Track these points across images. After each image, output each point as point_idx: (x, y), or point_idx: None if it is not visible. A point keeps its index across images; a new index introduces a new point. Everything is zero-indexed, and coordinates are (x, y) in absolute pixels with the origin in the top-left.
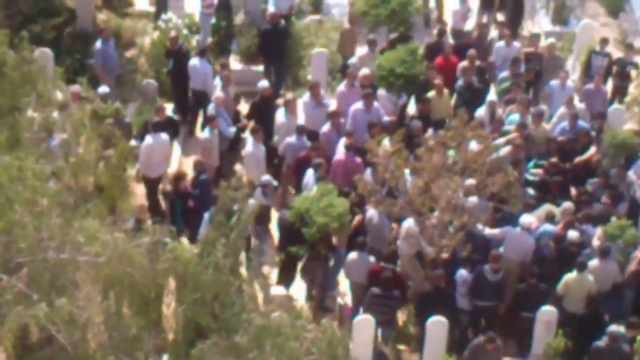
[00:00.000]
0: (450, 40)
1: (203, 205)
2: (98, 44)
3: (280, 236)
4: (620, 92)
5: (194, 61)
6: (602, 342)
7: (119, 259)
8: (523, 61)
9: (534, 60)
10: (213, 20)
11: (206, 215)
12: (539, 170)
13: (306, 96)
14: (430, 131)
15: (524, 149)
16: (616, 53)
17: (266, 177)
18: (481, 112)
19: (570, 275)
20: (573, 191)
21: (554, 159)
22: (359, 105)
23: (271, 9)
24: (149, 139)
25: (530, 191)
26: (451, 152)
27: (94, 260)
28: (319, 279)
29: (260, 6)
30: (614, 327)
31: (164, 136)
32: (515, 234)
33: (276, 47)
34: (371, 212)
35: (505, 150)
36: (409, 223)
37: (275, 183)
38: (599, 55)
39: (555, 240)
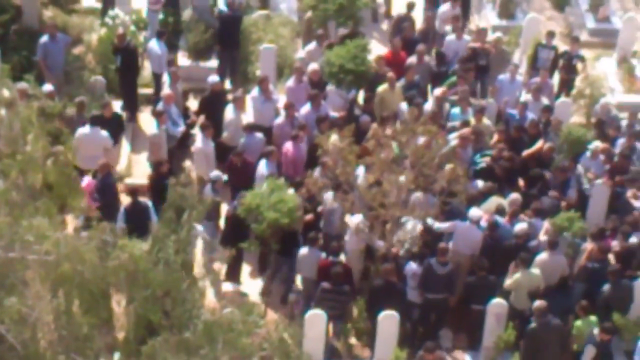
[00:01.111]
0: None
1: (108, 207)
2: (43, 38)
3: (226, 231)
4: (566, 85)
5: (152, 43)
6: (533, 323)
7: (69, 257)
8: (468, 55)
9: (480, 54)
10: (160, 16)
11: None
12: (486, 159)
13: (255, 91)
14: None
15: (470, 142)
16: (562, 46)
17: (216, 173)
18: (429, 106)
19: (517, 275)
20: (521, 182)
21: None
22: (307, 107)
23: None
24: (81, 130)
25: (479, 183)
26: (395, 146)
27: (43, 258)
28: (284, 275)
29: (207, 2)
30: (538, 302)
31: (101, 131)
32: (464, 228)
33: (234, 34)
34: (327, 195)
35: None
36: (358, 218)
37: (225, 178)
38: (545, 48)
39: (489, 228)
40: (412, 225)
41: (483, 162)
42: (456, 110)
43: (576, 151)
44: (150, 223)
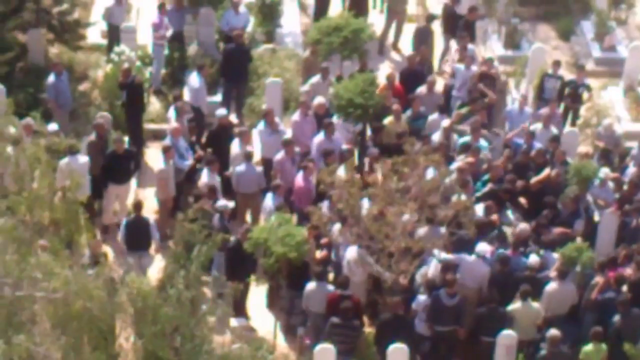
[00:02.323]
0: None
1: None
2: (51, 77)
3: (229, 264)
4: (572, 114)
5: (192, 77)
6: (544, 350)
7: (77, 293)
8: (477, 80)
9: (488, 80)
10: (166, 51)
11: None
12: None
13: (261, 124)
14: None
15: (470, 171)
16: (568, 76)
17: (223, 202)
18: (436, 137)
19: (516, 305)
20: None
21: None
22: (320, 136)
23: (225, 28)
24: (64, 160)
25: (479, 211)
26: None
27: (51, 295)
28: (297, 309)
29: (213, 37)
30: (552, 331)
31: (82, 159)
32: (470, 262)
33: (240, 67)
34: (335, 227)
35: (454, 175)
36: (354, 250)
37: (231, 205)
38: (552, 78)
39: (501, 262)
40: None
41: (486, 187)
42: (466, 140)
43: (585, 187)
44: (151, 239)
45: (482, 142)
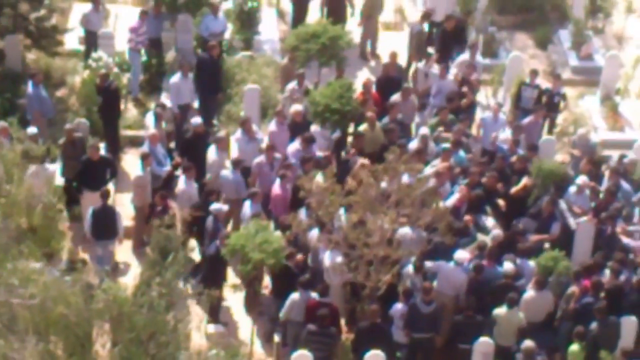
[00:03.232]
0: None
1: None
2: (30, 88)
3: (206, 272)
4: (549, 122)
5: (175, 78)
6: None
7: (54, 300)
8: (458, 85)
9: (467, 85)
10: (143, 58)
11: None
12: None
13: (238, 132)
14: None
15: (447, 178)
16: (545, 84)
17: (217, 206)
18: (413, 144)
19: (500, 310)
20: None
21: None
22: (295, 145)
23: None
24: (32, 168)
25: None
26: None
27: (28, 302)
28: (273, 314)
29: (191, 43)
30: (527, 343)
31: (50, 167)
32: (448, 269)
33: (211, 78)
34: (312, 233)
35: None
36: (334, 256)
37: (225, 208)
38: (529, 87)
39: (475, 270)
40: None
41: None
42: (447, 147)
43: (558, 187)
44: (117, 228)
45: (461, 153)
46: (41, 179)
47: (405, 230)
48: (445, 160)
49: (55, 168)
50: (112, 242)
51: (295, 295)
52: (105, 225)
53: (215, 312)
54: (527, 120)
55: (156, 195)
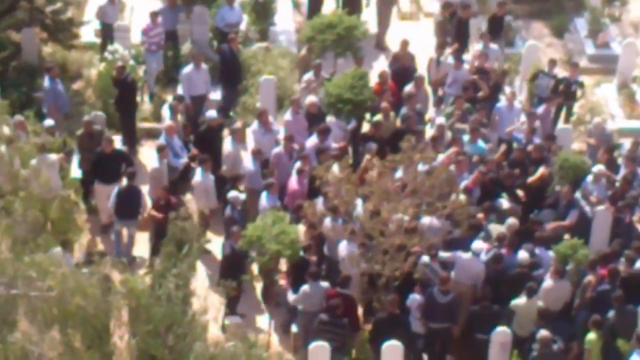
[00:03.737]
0: None
1: None
2: (46, 82)
3: (223, 267)
4: (566, 111)
5: (187, 69)
6: (535, 351)
7: (72, 292)
8: (473, 74)
9: (483, 74)
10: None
11: None
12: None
13: (255, 124)
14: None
15: (466, 166)
16: (562, 73)
17: (234, 194)
18: (429, 134)
19: (519, 300)
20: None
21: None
22: (313, 139)
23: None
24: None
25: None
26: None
27: (46, 294)
28: (290, 305)
29: (206, 35)
30: (542, 332)
31: (52, 157)
32: (466, 259)
33: (234, 68)
34: (327, 221)
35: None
36: (348, 247)
37: (242, 197)
38: (546, 76)
39: (494, 260)
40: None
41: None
42: (465, 139)
43: (573, 178)
44: (140, 208)
45: (480, 143)
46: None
47: (428, 220)
48: (456, 146)
49: (56, 158)
50: (135, 222)
51: (305, 287)
52: (129, 205)
53: (233, 304)
54: (541, 108)
55: (160, 189)
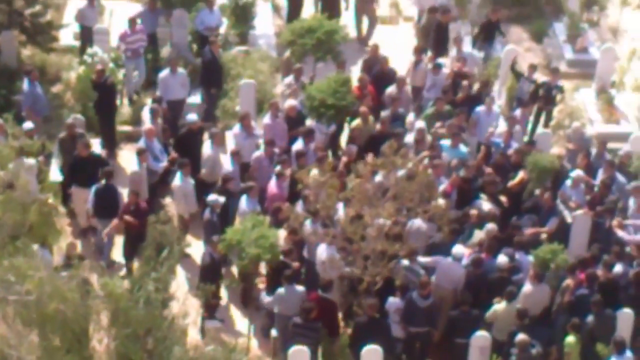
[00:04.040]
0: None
1: None
2: (25, 84)
3: (202, 274)
4: (545, 115)
5: (163, 74)
6: (513, 355)
7: (50, 296)
8: (452, 78)
9: (462, 78)
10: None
11: None
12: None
13: (236, 127)
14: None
15: (443, 170)
16: (540, 78)
17: (213, 197)
18: (409, 138)
19: (499, 305)
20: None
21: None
22: (299, 143)
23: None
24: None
25: None
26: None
27: (24, 298)
28: (269, 309)
29: (186, 39)
30: (521, 336)
31: (29, 161)
32: (447, 264)
33: (217, 71)
34: (307, 224)
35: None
36: (328, 250)
37: (222, 200)
38: (527, 80)
39: (474, 264)
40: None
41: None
42: (446, 143)
43: (554, 181)
44: (119, 206)
45: (462, 148)
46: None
47: (416, 223)
48: (432, 150)
49: (34, 162)
50: (114, 220)
51: (281, 289)
52: (107, 203)
53: (212, 310)
54: (517, 111)
55: (131, 194)
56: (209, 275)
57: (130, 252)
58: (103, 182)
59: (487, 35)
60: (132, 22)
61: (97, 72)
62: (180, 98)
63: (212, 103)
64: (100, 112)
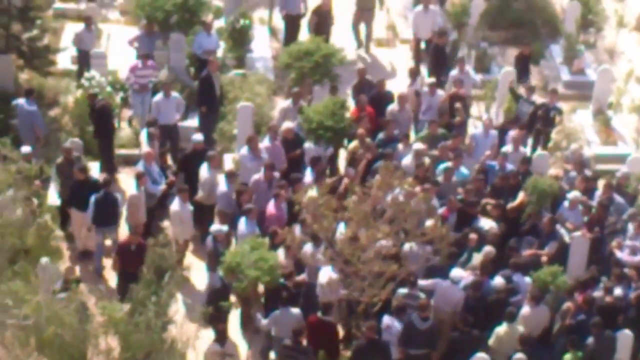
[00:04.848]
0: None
1: None
2: (23, 102)
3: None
4: (543, 137)
5: (157, 98)
6: None
7: (48, 320)
8: (448, 100)
9: (459, 100)
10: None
11: None
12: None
13: (244, 149)
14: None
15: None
16: (538, 99)
17: (217, 227)
18: (407, 160)
19: (501, 328)
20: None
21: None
22: (309, 176)
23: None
24: None
25: None
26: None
27: (23, 322)
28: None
29: (184, 62)
30: (518, 355)
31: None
32: (445, 287)
33: (212, 92)
34: (307, 247)
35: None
36: (327, 272)
37: (225, 229)
38: (526, 102)
39: (473, 287)
40: None
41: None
42: (448, 166)
43: (542, 202)
44: (118, 214)
45: (463, 169)
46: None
47: (408, 246)
48: (447, 180)
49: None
50: (114, 228)
51: (277, 312)
52: (107, 212)
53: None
54: (511, 134)
55: (132, 235)
56: (219, 299)
57: (123, 291)
58: (102, 191)
59: (522, 68)
60: (144, 58)
61: (89, 96)
62: (172, 123)
63: (208, 126)
64: (97, 137)
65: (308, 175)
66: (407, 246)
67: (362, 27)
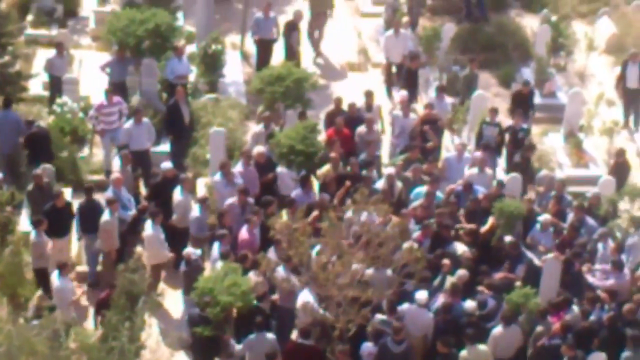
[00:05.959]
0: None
1: None
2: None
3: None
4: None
5: (127, 124)
6: None
7: (20, 348)
8: (420, 124)
9: (431, 123)
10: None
11: None
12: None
13: (217, 175)
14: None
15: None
16: (508, 122)
17: (189, 250)
18: (380, 184)
19: (464, 352)
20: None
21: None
22: (298, 191)
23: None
24: None
25: None
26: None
27: None
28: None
29: (155, 87)
30: None
31: None
32: (413, 311)
33: (183, 121)
34: (279, 270)
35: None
36: (305, 297)
37: (198, 252)
38: (490, 125)
39: (444, 310)
40: None
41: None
42: (420, 189)
43: (511, 226)
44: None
45: (438, 193)
46: None
47: (370, 272)
48: (428, 202)
49: None
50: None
51: (251, 336)
52: (92, 218)
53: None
54: (475, 154)
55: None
56: (201, 323)
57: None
58: (84, 199)
59: (522, 106)
60: (109, 94)
61: (26, 122)
62: (144, 149)
63: (180, 151)
64: (30, 162)
65: (298, 192)
66: (368, 272)
67: (317, 33)
